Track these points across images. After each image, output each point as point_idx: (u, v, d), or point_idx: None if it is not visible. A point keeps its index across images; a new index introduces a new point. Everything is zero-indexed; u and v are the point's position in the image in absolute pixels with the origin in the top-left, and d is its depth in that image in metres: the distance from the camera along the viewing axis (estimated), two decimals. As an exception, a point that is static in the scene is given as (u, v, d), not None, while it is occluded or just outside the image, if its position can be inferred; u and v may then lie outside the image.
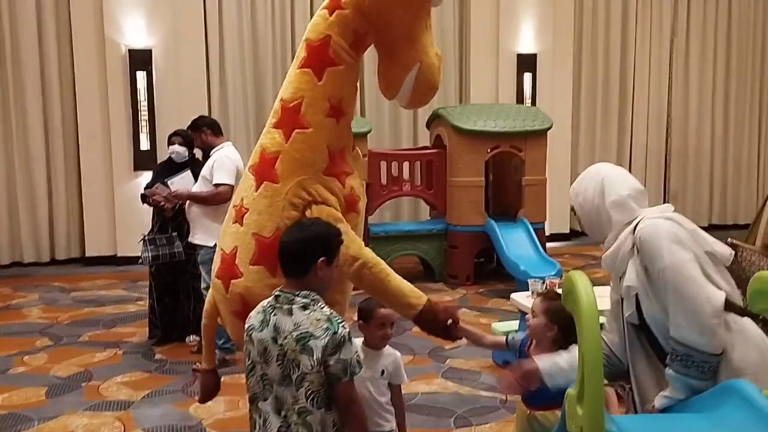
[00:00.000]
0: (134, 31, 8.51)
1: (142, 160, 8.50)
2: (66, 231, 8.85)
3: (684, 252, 2.19)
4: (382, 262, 2.66)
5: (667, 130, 11.06)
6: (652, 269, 2.23)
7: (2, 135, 8.55)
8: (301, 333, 2.22)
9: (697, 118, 11.04)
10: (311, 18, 8.77)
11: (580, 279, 1.86)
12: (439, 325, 2.64)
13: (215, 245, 4.93)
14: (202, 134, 5.25)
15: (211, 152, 5.20)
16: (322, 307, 2.29)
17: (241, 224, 2.73)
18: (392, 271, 2.66)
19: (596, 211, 2.40)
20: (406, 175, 7.97)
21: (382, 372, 2.95)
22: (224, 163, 5.05)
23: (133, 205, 7.45)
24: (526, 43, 9.72)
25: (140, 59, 8.51)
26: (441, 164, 7.81)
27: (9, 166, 8.59)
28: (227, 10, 9.07)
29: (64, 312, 6.66)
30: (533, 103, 9.62)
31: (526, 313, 4.73)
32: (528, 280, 5.11)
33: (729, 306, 2.19)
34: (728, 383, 2.06)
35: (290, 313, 2.27)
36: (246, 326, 2.39)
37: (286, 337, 2.24)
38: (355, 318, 3.00)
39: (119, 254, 8.60)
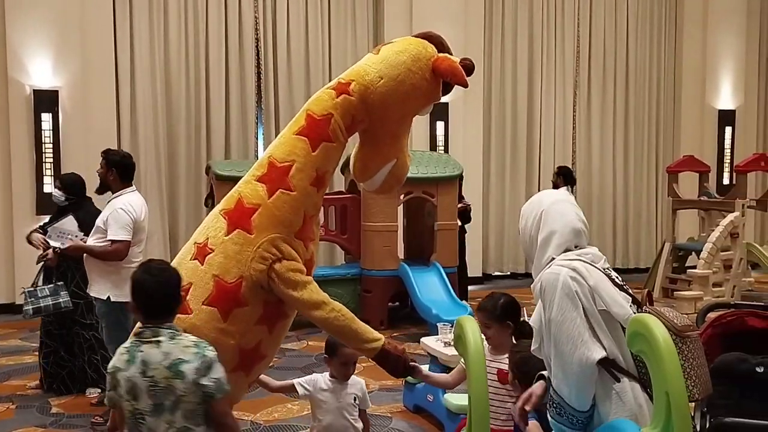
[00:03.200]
0: (40, 71, 8.26)
1: (45, 204, 8.16)
2: (-41, 277, 8.38)
3: (571, 309, 2.24)
4: (345, 308, 2.87)
5: (572, 177, 11.55)
6: (545, 316, 2.31)
7: None
8: (172, 360, 2.35)
9: (600, 167, 11.59)
10: (226, 61, 8.85)
11: (469, 324, 1.91)
12: (397, 362, 2.84)
13: (108, 298, 4.74)
14: (109, 173, 4.84)
15: (111, 198, 4.86)
16: (188, 336, 2.44)
17: (202, 262, 2.78)
18: (353, 315, 2.86)
19: (531, 241, 2.48)
20: (320, 219, 7.96)
21: (355, 398, 3.16)
22: (120, 216, 4.68)
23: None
24: (439, 92, 9.99)
25: (46, 100, 8.25)
26: (355, 209, 7.87)
27: None
28: (139, 50, 8.94)
29: (-47, 364, 6.26)
30: (446, 150, 9.87)
31: (436, 357, 4.80)
32: (438, 324, 5.17)
33: (609, 366, 2.24)
34: (614, 423, 2.16)
35: (158, 344, 2.38)
36: (109, 372, 2.45)
37: (156, 368, 2.35)
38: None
39: (18, 302, 8.16)
